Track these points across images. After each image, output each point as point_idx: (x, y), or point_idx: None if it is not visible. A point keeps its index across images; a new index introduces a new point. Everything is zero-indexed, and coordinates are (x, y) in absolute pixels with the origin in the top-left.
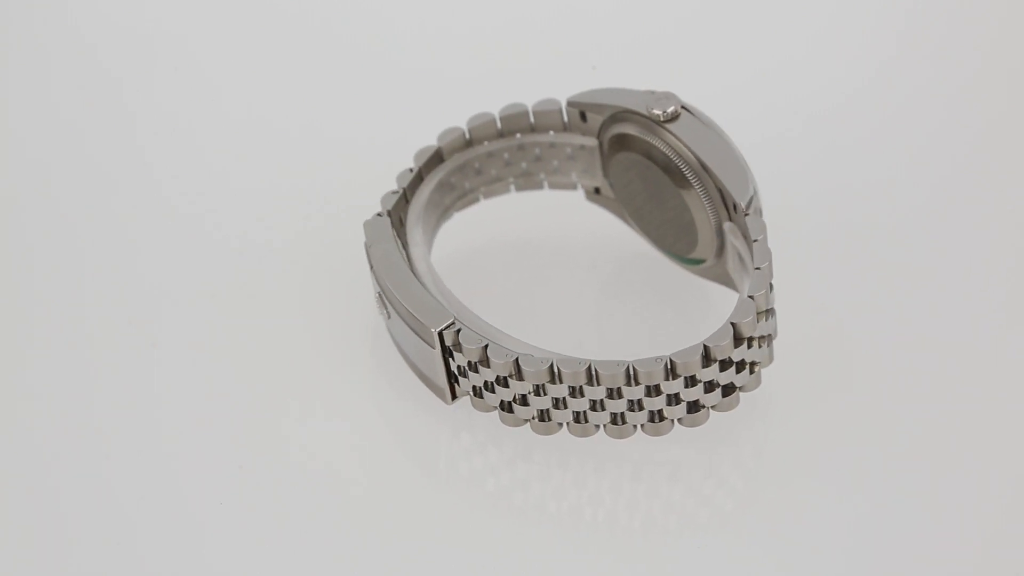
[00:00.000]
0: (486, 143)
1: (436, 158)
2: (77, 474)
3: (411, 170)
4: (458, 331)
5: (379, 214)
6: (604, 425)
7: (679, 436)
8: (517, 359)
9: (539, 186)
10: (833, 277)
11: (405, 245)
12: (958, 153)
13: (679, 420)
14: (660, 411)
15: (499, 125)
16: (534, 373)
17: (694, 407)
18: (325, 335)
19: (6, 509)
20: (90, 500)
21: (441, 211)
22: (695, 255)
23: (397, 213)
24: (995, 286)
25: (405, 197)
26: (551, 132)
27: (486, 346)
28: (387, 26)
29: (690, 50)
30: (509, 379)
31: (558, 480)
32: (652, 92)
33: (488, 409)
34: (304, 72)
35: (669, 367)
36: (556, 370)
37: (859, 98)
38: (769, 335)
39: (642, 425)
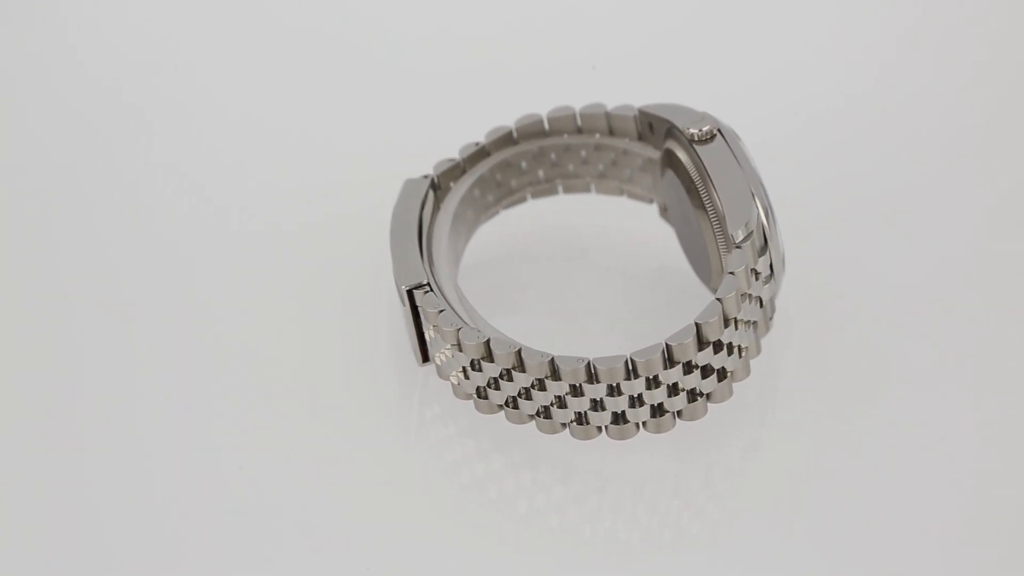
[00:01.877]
0: (565, 136)
1: (508, 139)
2: (78, 475)
3: (477, 143)
4: (426, 293)
5: (425, 176)
6: (533, 416)
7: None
8: (460, 329)
9: (618, 193)
10: (832, 274)
11: (436, 210)
12: (956, 149)
13: (606, 428)
14: (584, 413)
15: (579, 121)
16: (472, 347)
17: (621, 418)
18: (325, 336)
19: (16, 510)
20: (93, 499)
21: (505, 191)
22: (712, 284)
23: (446, 179)
24: (998, 281)
25: (461, 167)
26: (626, 139)
27: (442, 311)
28: (385, 27)
29: (690, 50)
30: (453, 349)
31: (496, 466)
32: (701, 113)
33: (445, 378)
34: (302, 75)
35: (592, 370)
36: (489, 349)
37: (858, 98)
38: (724, 369)
39: (569, 423)
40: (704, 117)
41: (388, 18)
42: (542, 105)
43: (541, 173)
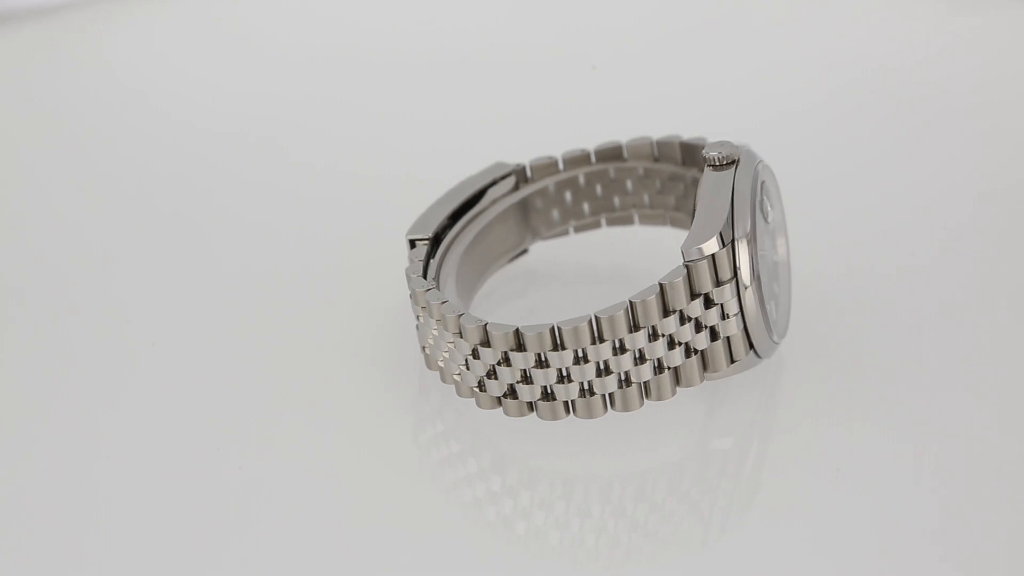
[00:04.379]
0: (671, 165)
1: (616, 152)
2: (77, 474)
3: (582, 150)
4: (423, 246)
5: (516, 164)
6: (455, 377)
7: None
8: (414, 277)
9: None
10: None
11: (510, 193)
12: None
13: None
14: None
15: (681, 151)
16: (419, 294)
17: (511, 392)
18: (335, 336)
19: (15, 510)
20: (93, 499)
21: (606, 205)
22: None
23: (539, 173)
24: (1000, 276)
25: (559, 165)
26: (694, 169)
27: (422, 262)
28: (383, 27)
29: (690, 50)
30: (412, 299)
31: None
32: (727, 143)
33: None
34: (301, 80)
35: (486, 332)
36: (428, 305)
37: (861, 97)
38: (627, 374)
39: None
40: (724, 144)
41: (383, 19)
42: (541, 106)
43: (646, 198)
